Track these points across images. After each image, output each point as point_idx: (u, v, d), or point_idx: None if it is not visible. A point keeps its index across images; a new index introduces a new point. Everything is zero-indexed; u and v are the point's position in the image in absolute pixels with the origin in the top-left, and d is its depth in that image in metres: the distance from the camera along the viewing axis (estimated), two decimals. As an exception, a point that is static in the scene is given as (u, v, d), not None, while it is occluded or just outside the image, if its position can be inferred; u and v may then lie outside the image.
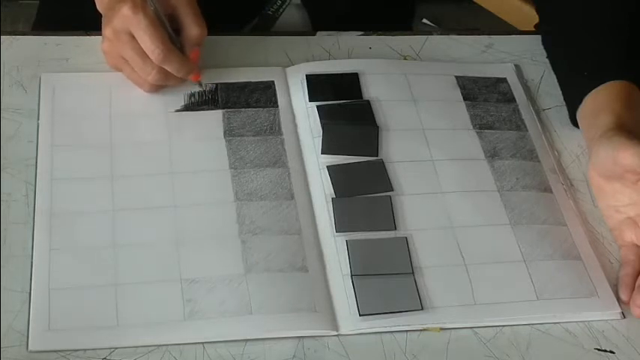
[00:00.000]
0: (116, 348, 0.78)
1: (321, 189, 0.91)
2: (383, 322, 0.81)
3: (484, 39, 1.11)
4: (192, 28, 0.95)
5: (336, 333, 0.81)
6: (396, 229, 0.88)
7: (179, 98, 0.98)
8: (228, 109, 0.97)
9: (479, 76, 1.05)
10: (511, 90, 1.04)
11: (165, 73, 0.94)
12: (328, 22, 1.13)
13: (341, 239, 0.87)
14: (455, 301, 0.84)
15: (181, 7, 0.95)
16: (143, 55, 0.92)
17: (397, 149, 0.95)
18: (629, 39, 0.99)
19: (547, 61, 1.07)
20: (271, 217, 0.88)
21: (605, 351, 0.82)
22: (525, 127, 1.00)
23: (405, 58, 1.07)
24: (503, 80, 1.05)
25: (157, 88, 0.96)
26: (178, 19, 0.95)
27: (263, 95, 0.99)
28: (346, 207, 0.90)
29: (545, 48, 1.08)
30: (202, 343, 0.79)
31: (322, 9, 1.19)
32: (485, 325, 0.83)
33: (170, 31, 0.94)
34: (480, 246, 0.88)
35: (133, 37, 0.92)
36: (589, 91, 0.96)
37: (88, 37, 1.03)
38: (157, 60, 0.92)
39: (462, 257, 0.87)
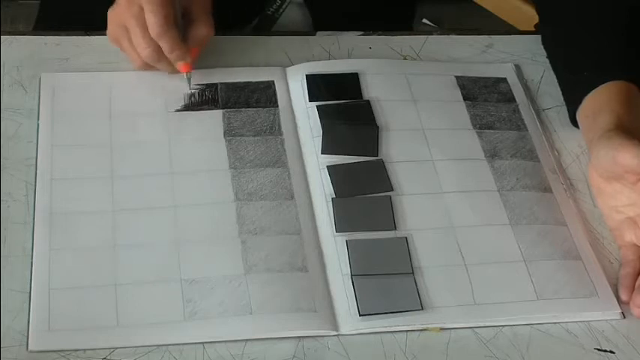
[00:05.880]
0: (116, 348, 0.78)
1: (321, 189, 0.91)
2: (383, 322, 0.81)
3: (484, 39, 1.11)
4: (201, 27, 0.97)
5: (336, 333, 0.81)
6: (396, 229, 0.88)
7: (179, 98, 0.98)
8: (228, 109, 0.97)
9: (479, 76, 1.05)
10: (511, 90, 1.04)
11: (158, 53, 0.95)
12: (329, 21, 1.13)
13: (341, 239, 0.87)
14: (455, 301, 0.84)
15: (196, 5, 0.97)
16: (144, 28, 0.93)
17: (397, 149, 0.95)
18: (629, 39, 0.99)
19: (547, 61, 1.07)
20: (271, 217, 0.88)
21: (605, 351, 0.82)
22: (525, 127, 1.00)
23: (405, 58, 1.07)
24: (503, 80, 1.05)
25: (148, 67, 0.97)
26: (190, 15, 0.97)
27: (263, 95, 0.99)
28: (346, 207, 0.90)
29: (545, 48, 1.08)
30: (202, 343, 0.79)
31: (323, 7, 1.19)
32: (486, 325, 0.83)
33: (179, 17, 0.96)
34: (479, 246, 0.88)
35: (142, 10, 0.93)
36: (589, 92, 0.95)
37: (88, 37, 1.03)
38: (153, 33, 0.93)
39: (462, 257, 0.87)
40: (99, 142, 0.92)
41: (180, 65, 0.96)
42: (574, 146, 0.99)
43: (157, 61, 0.96)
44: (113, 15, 0.97)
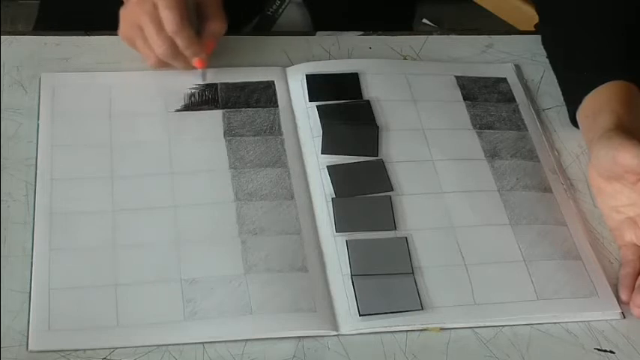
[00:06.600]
0: (116, 348, 0.78)
1: (321, 189, 0.91)
2: (383, 322, 0.81)
3: (484, 39, 1.11)
4: (215, 21, 0.97)
5: (336, 333, 0.81)
6: (396, 229, 0.88)
7: (179, 98, 0.98)
8: (228, 109, 0.97)
9: (479, 76, 1.05)
10: (511, 90, 1.04)
11: (174, 50, 0.95)
12: (329, 21, 1.13)
13: (341, 239, 0.87)
14: (455, 301, 0.84)
15: (208, 0, 0.97)
16: (159, 25, 0.93)
17: (397, 149, 0.95)
18: (629, 39, 0.99)
19: (547, 61, 1.07)
20: (271, 217, 0.88)
21: (605, 351, 0.82)
22: (525, 127, 1.00)
23: (405, 58, 1.07)
24: (503, 80, 1.05)
25: (163, 64, 0.97)
26: (203, 11, 0.97)
27: (263, 95, 0.99)
28: (346, 207, 0.90)
29: (545, 48, 1.08)
30: (202, 343, 0.79)
31: (323, 8, 1.19)
32: (486, 325, 0.83)
33: (193, 13, 0.96)
34: (479, 246, 0.88)
35: (155, 7, 0.93)
36: (589, 92, 0.95)
37: (88, 37, 1.03)
38: (170, 29, 0.93)
39: (462, 257, 0.87)
40: (99, 142, 0.92)
41: (196, 61, 0.96)
42: (574, 146, 0.99)
43: (173, 58, 0.96)
44: (125, 14, 0.97)
